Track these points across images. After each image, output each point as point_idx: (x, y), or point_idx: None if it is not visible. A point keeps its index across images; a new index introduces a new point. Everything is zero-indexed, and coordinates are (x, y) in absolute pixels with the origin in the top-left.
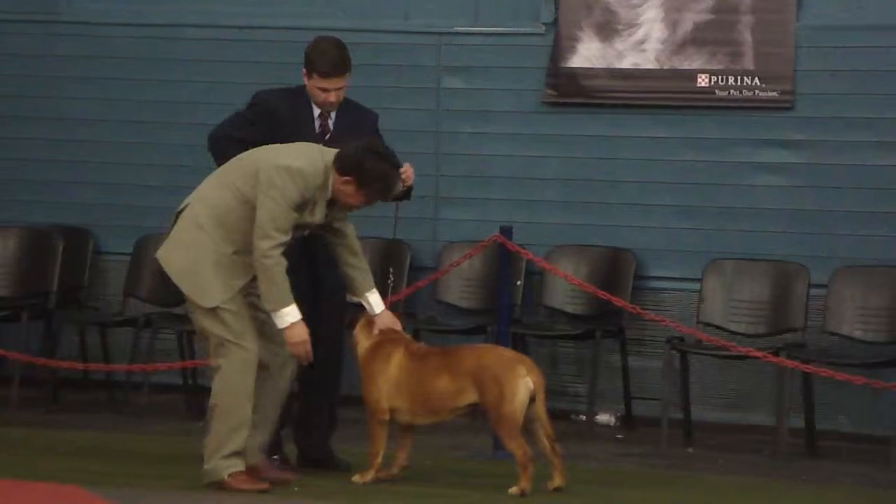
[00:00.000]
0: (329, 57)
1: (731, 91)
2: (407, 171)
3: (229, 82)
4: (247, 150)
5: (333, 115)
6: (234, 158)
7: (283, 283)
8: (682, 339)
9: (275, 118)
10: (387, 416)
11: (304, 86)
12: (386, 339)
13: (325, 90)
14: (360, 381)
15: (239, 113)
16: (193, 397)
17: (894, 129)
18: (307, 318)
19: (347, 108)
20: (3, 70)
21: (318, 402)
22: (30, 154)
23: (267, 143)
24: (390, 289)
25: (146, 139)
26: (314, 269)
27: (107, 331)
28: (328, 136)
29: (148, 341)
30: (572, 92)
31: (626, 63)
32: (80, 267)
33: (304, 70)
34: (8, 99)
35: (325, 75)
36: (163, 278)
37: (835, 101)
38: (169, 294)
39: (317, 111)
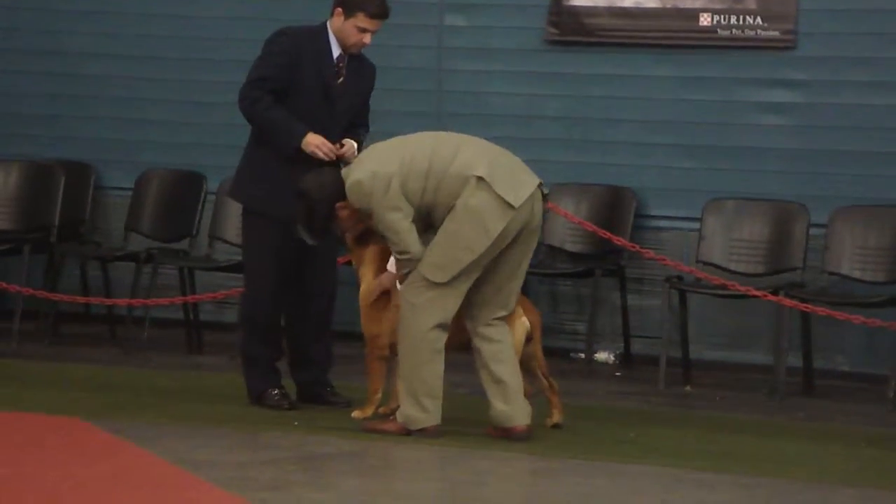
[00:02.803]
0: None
1: (733, 30)
2: (348, 149)
3: (231, 17)
4: (275, 96)
5: (346, 59)
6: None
7: None
8: (681, 278)
9: (299, 53)
10: (387, 352)
11: (323, 25)
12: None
13: (364, 31)
14: (360, 317)
15: (265, 52)
16: (194, 332)
17: None
18: (306, 251)
19: (357, 56)
20: (3, 3)
21: (314, 338)
22: (31, 89)
23: (287, 80)
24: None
25: (148, 74)
26: None
27: (108, 265)
28: (341, 79)
29: (149, 276)
30: (574, 30)
31: (629, 2)
32: (82, 201)
33: (341, 9)
34: (9, 32)
35: (373, 17)
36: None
37: (837, 41)
38: (170, 229)
39: (336, 52)
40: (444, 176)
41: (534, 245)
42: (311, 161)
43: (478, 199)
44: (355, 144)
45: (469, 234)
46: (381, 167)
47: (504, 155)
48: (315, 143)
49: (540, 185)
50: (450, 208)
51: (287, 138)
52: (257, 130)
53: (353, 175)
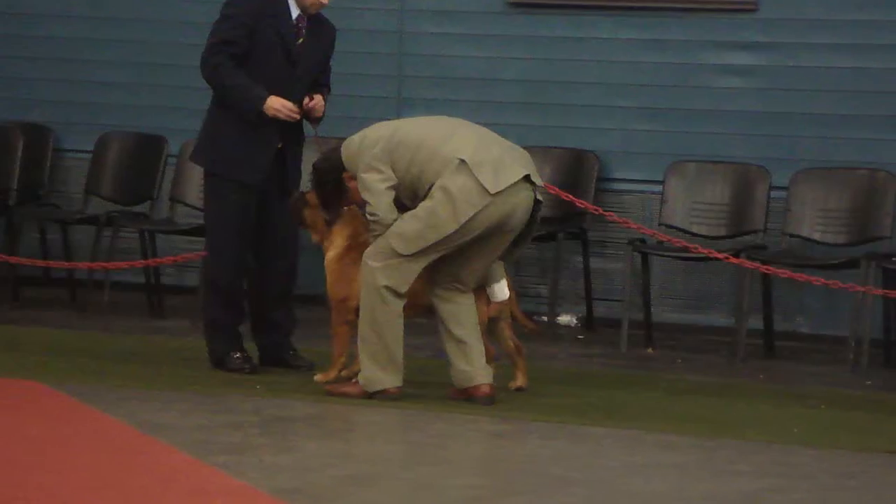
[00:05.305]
0: None
1: None
2: (317, 102)
3: None
4: (236, 60)
5: (305, 19)
6: None
7: None
8: (643, 241)
9: (258, 15)
10: (353, 317)
11: None
12: (357, 242)
13: None
14: (326, 281)
15: (223, 15)
16: (155, 295)
17: (857, 31)
18: (268, 216)
19: (316, 17)
20: None
21: (276, 301)
22: None
23: (247, 43)
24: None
25: (108, 36)
26: (283, 169)
27: (68, 228)
28: (301, 40)
29: (109, 239)
30: None
31: None
32: (41, 164)
33: None
34: None
35: None
36: None
37: (798, 4)
38: (130, 192)
39: (295, 13)
40: (434, 154)
41: (507, 242)
42: (274, 123)
43: (455, 182)
44: (322, 99)
45: (439, 214)
46: (372, 132)
47: (499, 144)
48: (275, 106)
49: (533, 187)
50: (432, 187)
51: (249, 103)
52: (219, 96)
53: (348, 137)
